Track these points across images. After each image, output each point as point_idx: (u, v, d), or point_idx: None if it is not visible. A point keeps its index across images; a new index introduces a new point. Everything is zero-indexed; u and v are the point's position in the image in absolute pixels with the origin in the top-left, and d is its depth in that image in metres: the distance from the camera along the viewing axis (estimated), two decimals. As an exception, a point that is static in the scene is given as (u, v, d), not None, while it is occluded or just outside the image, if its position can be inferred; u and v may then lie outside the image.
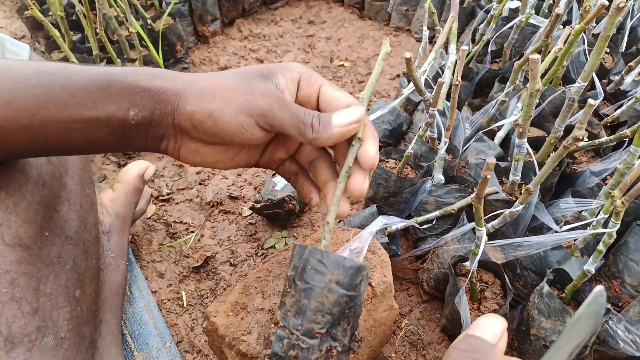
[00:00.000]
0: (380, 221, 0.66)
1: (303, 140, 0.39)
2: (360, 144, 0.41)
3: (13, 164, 0.49)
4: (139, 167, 0.83)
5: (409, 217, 0.84)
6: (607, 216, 0.63)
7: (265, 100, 0.38)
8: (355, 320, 0.40)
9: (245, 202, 0.99)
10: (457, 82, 0.71)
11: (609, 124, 0.90)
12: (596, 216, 0.67)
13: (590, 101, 0.53)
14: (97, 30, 1.01)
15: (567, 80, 0.99)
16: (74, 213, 0.59)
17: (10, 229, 0.46)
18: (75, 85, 0.37)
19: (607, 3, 0.64)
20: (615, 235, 0.57)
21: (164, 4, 1.34)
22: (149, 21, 1.22)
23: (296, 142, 0.47)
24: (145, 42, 1.16)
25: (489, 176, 0.49)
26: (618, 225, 0.56)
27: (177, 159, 0.44)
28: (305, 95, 0.41)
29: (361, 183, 0.41)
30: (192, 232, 0.94)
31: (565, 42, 0.81)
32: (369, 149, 0.41)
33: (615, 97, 0.96)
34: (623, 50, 1.08)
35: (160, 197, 1.01)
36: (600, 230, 0.58)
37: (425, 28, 0.93)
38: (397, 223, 0.73)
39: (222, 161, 0.44)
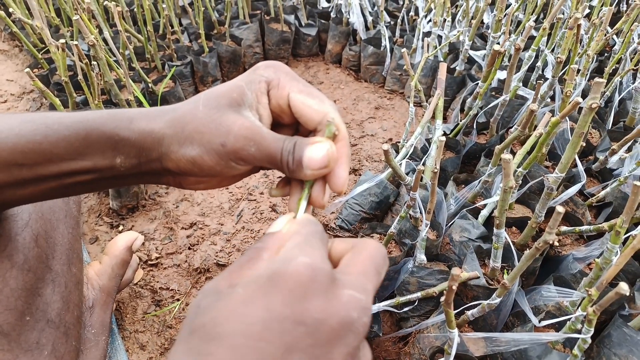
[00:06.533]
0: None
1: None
2: (312, 183, 0.37)
3: (1, 249, 0.50)
4: (126, 239, 0.83)
5: (392, 295, 0.83)
6: (585, 314, 0.62)
7: (241, 144, 0.35)
8: None
9: (233, 270, 1.00)
10: (435, 170, 0.72)
11: (594, 204, 0.90)
12: (575, 312, 0.67)
13: (559, 208, 0.53)
14: (97, 100, 1.05)
15: (553, 156, 1.00)
16: (58, 294, 0.59)
17: None
18: (55, 134, 0.36)
19: (580, 100, 0.66)
20: (590, 341, 0.56)
21: (166, 66, 1.40)
22: (150, 84, 1.27)
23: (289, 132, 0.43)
24: (144, 105, 1.20)
25: (454, 287, 0.49)
26: (592, 332, 0.55)
27: (181, 189, 0.42)
28: (276, 106, 0.38)
29: (322, 197, 0.38)
30: (178, 299, 0.94)
31: (546, 126, 0.83)
32: (340, 174, 0.37)
33: (602, 174, 0.96)
34: (610, 126, 1.09)
35: (149, 262, 1.01)
36: (574, 335, 0.58)
37: (411, 105, 0.96)
38: (377, 306, 0.72)
39: (228, 180, 0.41)
